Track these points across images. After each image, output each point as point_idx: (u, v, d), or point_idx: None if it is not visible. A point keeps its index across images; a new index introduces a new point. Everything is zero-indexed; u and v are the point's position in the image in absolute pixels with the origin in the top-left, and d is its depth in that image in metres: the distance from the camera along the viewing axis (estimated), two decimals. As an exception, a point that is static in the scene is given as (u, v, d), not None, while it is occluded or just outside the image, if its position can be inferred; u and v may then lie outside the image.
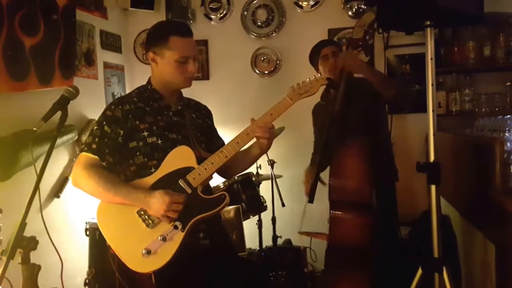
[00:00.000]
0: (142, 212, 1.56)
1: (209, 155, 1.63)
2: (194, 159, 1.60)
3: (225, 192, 1.60)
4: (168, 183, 1.56)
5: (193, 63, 1.66)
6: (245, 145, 1.64)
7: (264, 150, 1.69)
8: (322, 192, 2.21)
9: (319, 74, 1.68)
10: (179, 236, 1.53)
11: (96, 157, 1.58)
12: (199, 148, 1.68)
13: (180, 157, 1.60)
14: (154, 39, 1.66)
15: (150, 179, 1.59)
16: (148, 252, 1.51)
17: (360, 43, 2.19)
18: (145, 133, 1.61)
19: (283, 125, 2.80)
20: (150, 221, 1.55)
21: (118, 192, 1.55)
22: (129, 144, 1.61)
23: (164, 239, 1.53)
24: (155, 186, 1.57)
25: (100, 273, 2.34)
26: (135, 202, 1.54)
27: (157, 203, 1.51)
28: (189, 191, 1.57)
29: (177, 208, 1.52)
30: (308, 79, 1.67)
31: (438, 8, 1.51)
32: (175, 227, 1.53)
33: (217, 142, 1.84)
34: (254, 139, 1.68)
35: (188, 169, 1.59)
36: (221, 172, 1.74)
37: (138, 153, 1.61)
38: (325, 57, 2.35)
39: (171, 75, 1.65)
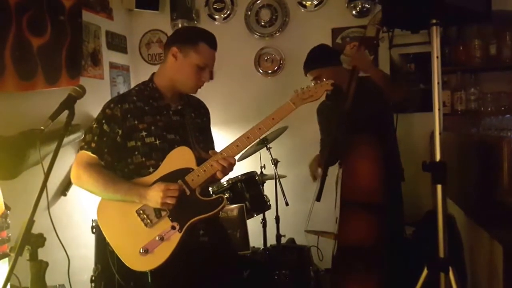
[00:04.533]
0: (141, 211, 1.57)
1: (208, 156, 1.63)
2: (193, 160, 1.60)
3: (222, 195, 1.60)
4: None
5: (208, 73, 1.69)
6: (244, 149, 1.64)
7: (215, 181, 1.75)
8: (328, 191, 2.20)
9: (324, 80, 1.67)
10: (176, 236, 1.54)
11: (95, 156, 1.59)
12: (198, 149, 1.68)
13: (180, 157, 1.61)
14: (184, 37, 1.69)
15: (150, 178, 1.60)
16: (146, 251, 1.53)
17: (375, 42, 2.19)
18: (143, 133, 1.62)
19: (286, 124, 2.80)
20: (149, 221, 1.56)
21: (118, 189, 1.56)
22: (127, 143, 1.62)
23: (161, 238, 1.54)
24: None
25: (106, 270, 2.35)
26: (136, 197, 1.56)
27: (155, 192, 1.53)
28: (187, 192, 1.57)
29: (173, 194, 1.53)
30: (312, 84, 1.66)
31: (444, 6, 1.50)
32: (173, 228, 1.55)
33: (211, 144, 1.85)
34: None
35: (187, 170, 1.59)
36: None
37: (136, 153, 1.62)
38: (312, 79, 2.37)
39: (185, 76, 1.66)
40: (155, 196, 1.53)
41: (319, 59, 2.37)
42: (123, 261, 1.55)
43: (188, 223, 1.55)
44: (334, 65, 2.34)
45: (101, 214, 1.62)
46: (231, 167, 1.60)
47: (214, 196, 1.62)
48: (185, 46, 1.65)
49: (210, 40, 1.69)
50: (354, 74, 2.17)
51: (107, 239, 1.59)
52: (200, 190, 1.60)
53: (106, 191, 1.57)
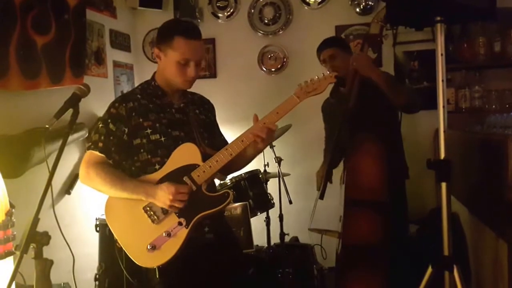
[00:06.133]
0: (148, 208, 1.58)
1: (214, 152, 1.64)
2: (199, 156, 1.61)
3: (228, 190, 1.60)
4: (174, 180, 1.58)
5: (194, 67, 1.62)
6: (249, 143, 1.62)
7: (259, 152, 1.68)
8: (332, 189, 2.20)
9: (327, 72, 1.66)
10: (183, 232, 1.55)
11: (103, 155, 1.60)
12: (203, 145, 1.69)
13: (186, 154, 1.61)
14: (161, 36, 1.66)
15: (156, 175, 1.60)
16: (153, 247, 1.54)
17: (379, 39, 2.18)
18: (148, 131, 1.62)
19: (289, 122, 2.80)
20: (156, 217, 1.57)
21: (126, 187, 1.57)
22: (133, 141, 1.63)
23: (168, 235, 1.55)
24: (161, 182, 1.58)
25: (110, 268, 2.37)
26: (142, 195, 1.57)
27: (164, 193, 1.53)
28: (193, 188, 1.58)
29: (183, 198, 1.54)
30: (316, 77, 1.64)
31: (449, 3, 1.50)
32: (180, 224, 1.55)
33: (219, 138, 1.85)
34: None
35: (193, 166, 1.60)
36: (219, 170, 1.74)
37: (142, 150, 1.63)
38: (323, 61, 2.37)
39: (171, 74, 1.65)
40: (163, 197, 1.54)
41: (337, 41, 2.50)
42: (131, 257, 1.56)
43: (195, 218, 1.56)
44: (347, 53, 2.34)
45: (109, 212, 1.63)
46: (271, 133, 1.59)
47: (220, 192, 1.62)
48: (163, 45, 1.63)
49: (186, 31, 1.60)
50: (356, 77, 2.16)
51: (115, 236, 1.60)
52: (206, 186, 1.60)
53: (113, 189, 1.58)
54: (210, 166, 1.59)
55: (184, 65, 1.61)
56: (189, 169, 1.60)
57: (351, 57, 2.21)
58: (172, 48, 1.60)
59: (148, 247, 1.54)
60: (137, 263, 1.56)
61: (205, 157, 1.62)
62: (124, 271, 1.66)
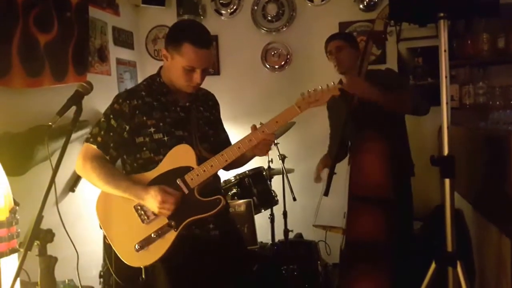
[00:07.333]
0: (139, 207, 1.58)
1: (209, 155, 1.62)
2: (194, 159, 1.59)
3: (220, 196, 1.59)
4: (166, 181, 1.57)
5: (200, 74, 1.60)
6: (246, 150, 1.61)
7: (257, 155, 1.70)
8: (336, 185, 2.20)
9: (332, 83, 1.63)
10: (171, 234, 1.55)
11: (100, 151, 1.61)
12: (200, 147, 1.67)
13: (181, 155, 1.60)
14: (170, 38, 1.64)
15: (150, 175, 1.60)
16: (141, 247, 1.54)
17: (383, 36, 2.18)
18: (152, 129, 1.61)
19: (293, 120, 2.79)
20: (146, 217, 1.57)
21: (118, 186, 1.58)
22: (136, 139, 1.62)
23: (157, 236, 1.55)
24: (154, 183, 1.58)
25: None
26: (133, 197, 1.57)
27: (153, 200, 1.53)
28: (186, 191, 1.57)
29: (170, 208, 1.53)
30: (320, 87, 1.62)
31: (452, -1, 1.49)
32: (169, 226, 1.55)
33: (223, 135, 1.84)
34: None
35: (187, 169, 1.58)
36: None
37: (144, 149, 1.63)
38: (329, 52, 2.36)
39: (176, 77, 1.64)
40: (152, 203, 1.54)
41: (345, 35, 2.55)
42: (118, 255, 1.57)
43: (185, 222, 1.55)
44: (354, 49, 2.34)
45: (100, 206, 1.64)
46: (270, 143, 1.63)
47: (212, 197, 1.59)
48: (170, 47, 1.61)
49: (196, 39, 1.57)
50: (354, 99, 2.14)
51: (104, 231, 1.61)
52: (198, 190, 1.59)
53: (107, 186, 1.59)
54: (205, 171, 1.58)
55: (190, 71, 1.60)
56: (183, 171, 1.58)
57: (345, 82, 2.16)
58: (179, 53, 1.58)
59: (136, 247, 1.55)
60: (123, 261, 1.56)
61: (200, 160, 1.60)
62: (110, 269, 1.66)
